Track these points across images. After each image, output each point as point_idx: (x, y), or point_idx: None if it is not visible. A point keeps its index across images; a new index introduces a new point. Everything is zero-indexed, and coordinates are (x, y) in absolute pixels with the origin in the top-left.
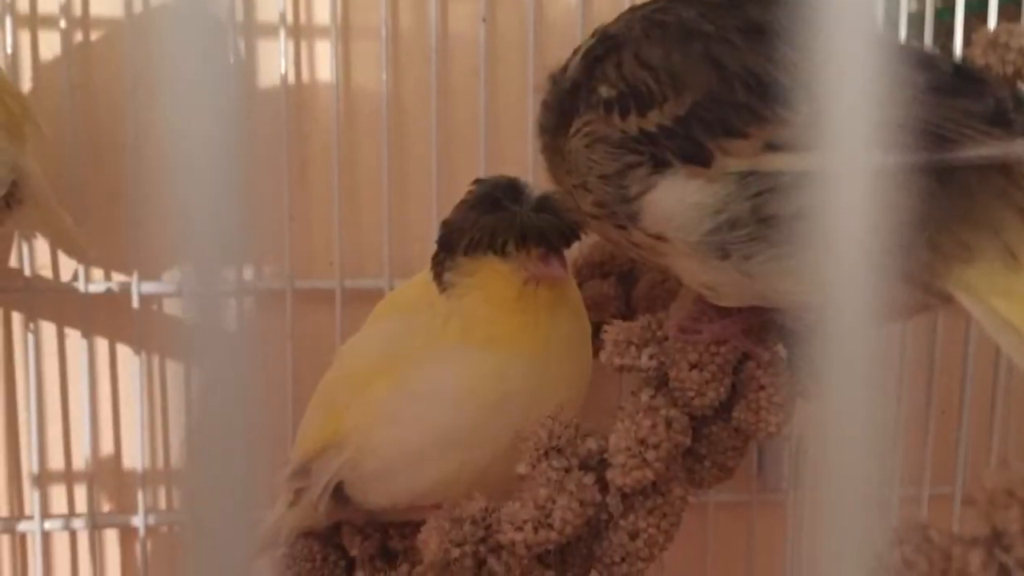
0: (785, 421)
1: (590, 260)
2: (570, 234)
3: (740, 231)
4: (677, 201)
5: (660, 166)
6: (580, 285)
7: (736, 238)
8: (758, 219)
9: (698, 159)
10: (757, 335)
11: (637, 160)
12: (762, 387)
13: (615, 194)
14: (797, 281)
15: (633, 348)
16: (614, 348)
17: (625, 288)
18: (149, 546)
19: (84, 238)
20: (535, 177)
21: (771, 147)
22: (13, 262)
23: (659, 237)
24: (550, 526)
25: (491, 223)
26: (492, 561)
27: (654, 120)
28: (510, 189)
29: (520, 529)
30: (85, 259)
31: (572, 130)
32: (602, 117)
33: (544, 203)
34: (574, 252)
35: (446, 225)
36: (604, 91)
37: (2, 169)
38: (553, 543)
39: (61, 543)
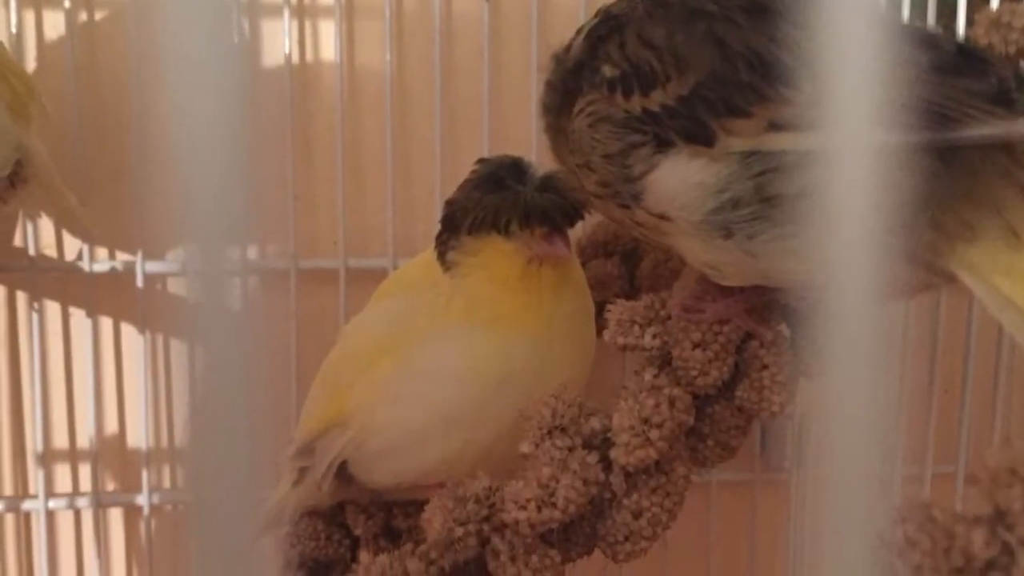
0: (788, 400)
1: (594, 239)
2: (573, 213)
3: (743, 210)
4: (680, 181)
5: (663, 146)
6: (584, 264)
7: (739, 217)
8: (761, 198)
9: (701, 139)
10: (760, 314)
11: (640, 140)
12: (765, 366)
13: (618, 173)
14: (800, 260)
15: (636, 327)
16: (617, 327)
17: (629, 267)
18: (153, 525)
19: (88, 217)
20: (539, 157)
21: (774, 126)
22: (18, 241)
23: (662, 216)
24: (553, 505)
25: (495, 202)
26: (496, 540)
27: (657, 100)
28: (514, 169)
29: (523, 508)
30: (89, 238)
31: (575, 110)
32: (605, 97)
33: (547, 183)
34: (577, 232)
35: (450, 205)
36: (607, 71)
37: (6, 148)
38: (556, 522)
39: (65, 522)
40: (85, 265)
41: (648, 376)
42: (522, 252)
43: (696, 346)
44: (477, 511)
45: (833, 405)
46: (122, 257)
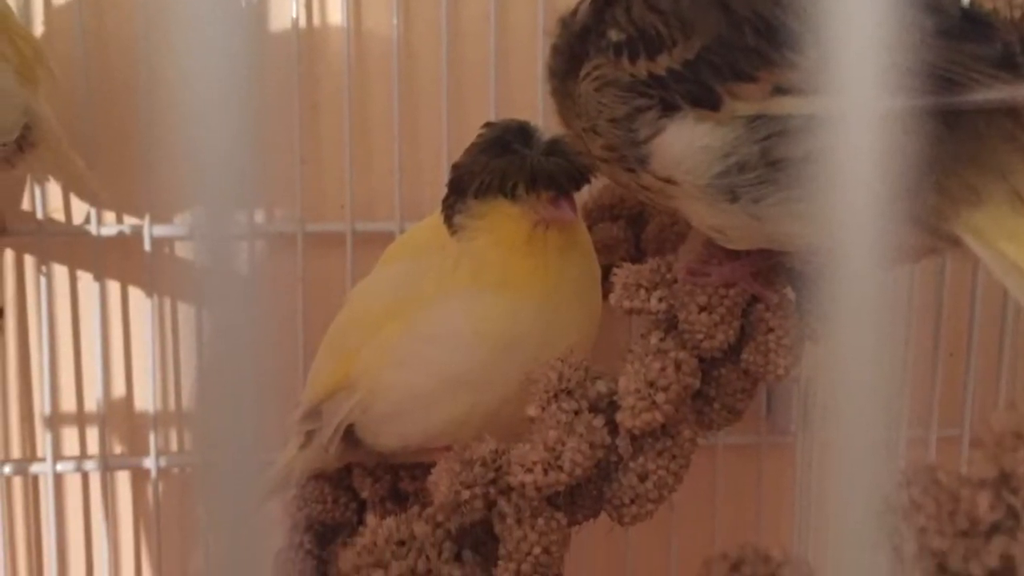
0: (794, 363)
1: (600, 203)
2: (580, 177)
3: (749, 174)
4: (686, 144)
5: (669, 110)
6: (590, 228)
7: (745, 181)
8: (767, 162)
9: (707, 103)
10: (766, 278)
11: (646, 104)
12: (771, 329)
13: (625, 137)
14: (806, 224)
15: (643, 291)
16: (624, 291)
17: (635, 231)
18: (161, 488)
19: (96, 181)
20: (545, 121)
21: (780, 90)
22: (26, 205)
23: (668, 180)
24: (560, 468)
25: (501, 166)
26: (502, 503)
27: (663, 64)
28: (520, 132)
29: (530, 471)
30: (97, 202)
31: (582, 74)
32: (611, 61)
33: (554, 146)
34: (584, 195)
35: (456, 168)
36: (614, 35)
37: (14, 112)
38: (562, 485)
39: (73, 485)
40: (93, 229)
41: (654, 339)
42: (528, 216)
43: (702, 309)
44: (483, 474)
45: (838, 369)
46: (130, 221)
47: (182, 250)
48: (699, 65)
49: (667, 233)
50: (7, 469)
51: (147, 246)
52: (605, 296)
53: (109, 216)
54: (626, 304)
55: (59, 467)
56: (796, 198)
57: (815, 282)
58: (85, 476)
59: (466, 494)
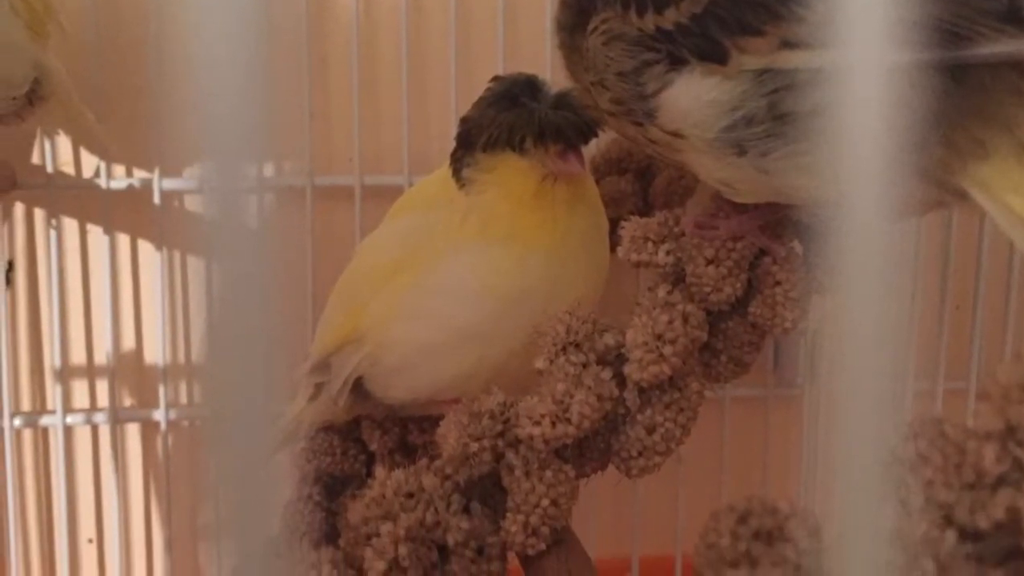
0: (800, 316)
1: (608, 156)
2: (588, 131)
3: (756, 128)
4: (694, 98)
5: (677, 63)
6: (598, 181)
7: (752, 135)
8: (774, 116)
9: (714, 57)
10: (773, 231)
11: (654, 57)
12: (778, 282)
13: (632, 91)
14: (813, 177)
15: (650, 244)
16: (631, 244)
17: (642, 184)
18: (170, 440)
19: (106, 135)
20: (553, 75)
21: (787, 44)
22: (36, 159)
23: (676, 134)
24: (568, 420)
25: (509, 120)
26: (510, 455)
27: (671, 18)
28: (528, 86)
29: (538, 423)
30: (107, 156)
31: (590, 28)
32: (619, 15)
33: (562, 100)
34: (592, 149)
35: (465, 122)
36: None
37: (24, 66)
38: (570, 437)
39: (83, 437)
40: (103, 182)
41: (662, 292)
42: (537, 169)
43: (709, 262)
44: (492, 426)
45: (845, 321)
46: (139, 174)
47: (192, 203)
48: (706, 19)
49: (674, 187)
50: (17, 422)
51: (157, 199)
52: (613, 249)
53: (119, 169)
54: (634, 257)
55: (69, 419)
56: (803, 151)
57: (822, 235)
58: (95, 428)
59: (474, 446)
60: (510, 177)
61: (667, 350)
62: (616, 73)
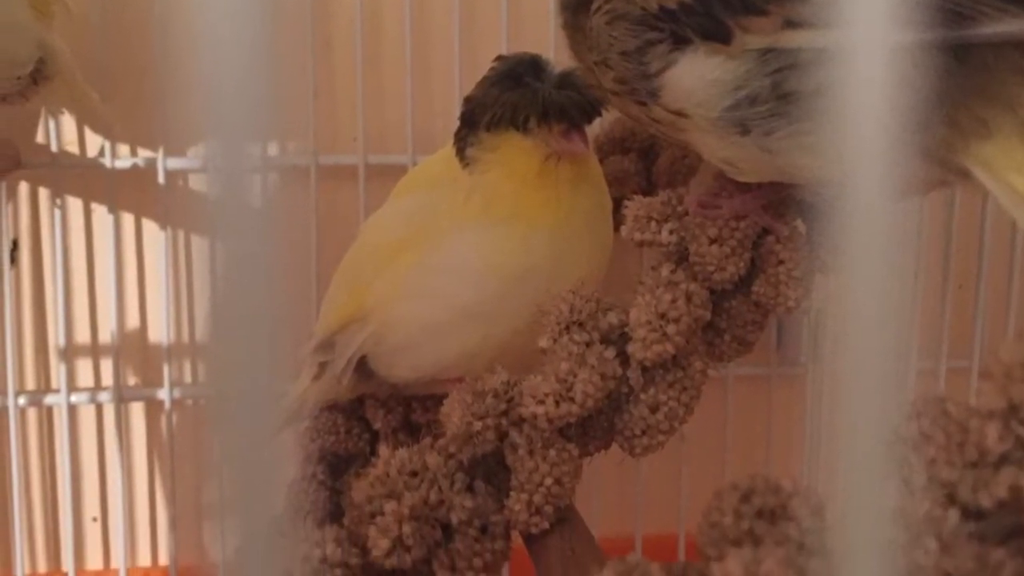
0: (804, 295)
1: (611, 136)
2: (591, 110)
3: (760, 107)
4: (697, 78)
5: (680, 43)
6: (601, 161)
7: (756, 114)
8: (778, 95)
9: (718, 36)
10: (776, 210)
11: (658, 37)
12: (781, 262)
13: (636, 71)
14: (817, 156)
15: (653, 223)
16: (635, 223)
17: (646, 164)
18: (175, 419)
19: (110, 114)
20: (557, 54)
21: (791, 24)
22: (40, 138)
23: (679, 113)
24: (571, 399)
25: (513, 99)
26: (514, 434)
27: None
28: (532, 66)
29: (542, 403)
30: (111, 135)
31: (593, 7)
32: None
33: (565, 79)
34: (595, 129)
35: (468, 101)
36: None
37: (28, 46)
38: (574, 416)
39: (87, 416)
40: (107, 162)
41: (665, 271)
42: (540, 148)
43: (713, 241)
44: (495, 405)
45: (849, 300)
46: (144, 154)
47: (196, 183)
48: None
49: (678, 166)
50: (22, 400)
51: (161, 179)
52: (616, 228)
53: (123, 149)
54: (637, 236)
55: (73, 398)
56: (807, 131)
57: (825, 214)
58: (99, 407)
59: (478, 425)
60: (514, 156)
61: (670, 329)
62: (619, 53)
